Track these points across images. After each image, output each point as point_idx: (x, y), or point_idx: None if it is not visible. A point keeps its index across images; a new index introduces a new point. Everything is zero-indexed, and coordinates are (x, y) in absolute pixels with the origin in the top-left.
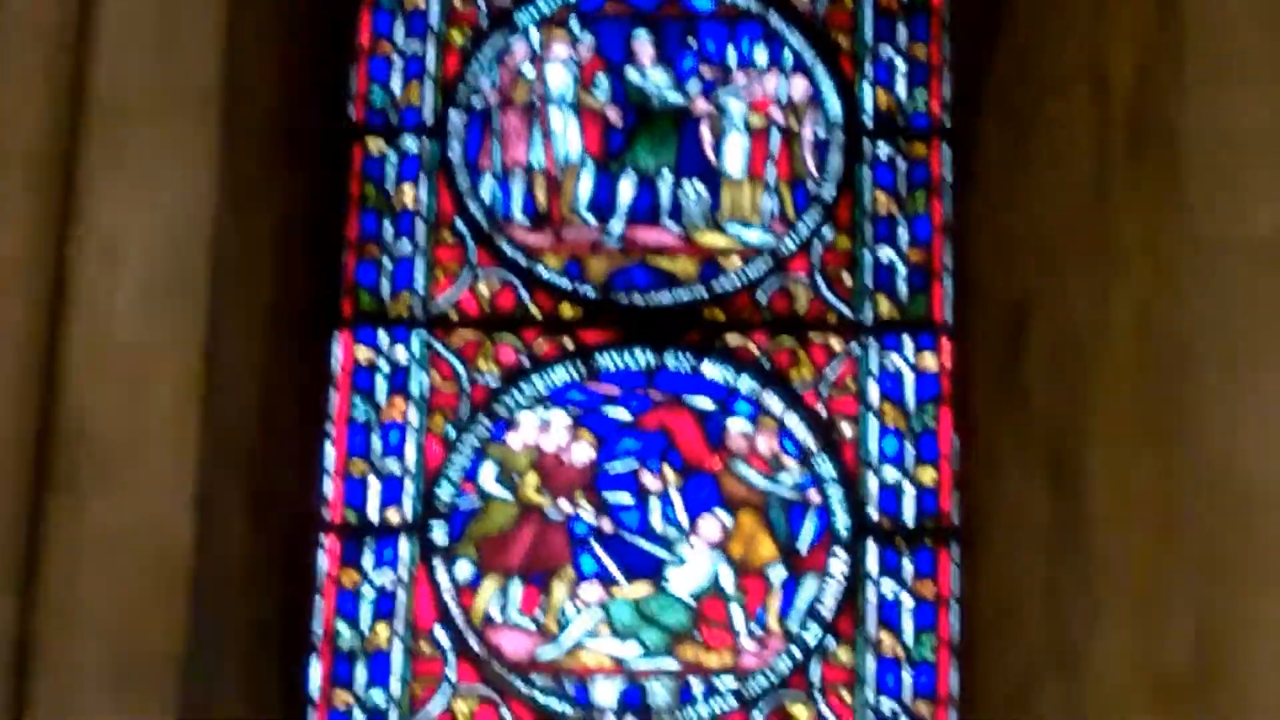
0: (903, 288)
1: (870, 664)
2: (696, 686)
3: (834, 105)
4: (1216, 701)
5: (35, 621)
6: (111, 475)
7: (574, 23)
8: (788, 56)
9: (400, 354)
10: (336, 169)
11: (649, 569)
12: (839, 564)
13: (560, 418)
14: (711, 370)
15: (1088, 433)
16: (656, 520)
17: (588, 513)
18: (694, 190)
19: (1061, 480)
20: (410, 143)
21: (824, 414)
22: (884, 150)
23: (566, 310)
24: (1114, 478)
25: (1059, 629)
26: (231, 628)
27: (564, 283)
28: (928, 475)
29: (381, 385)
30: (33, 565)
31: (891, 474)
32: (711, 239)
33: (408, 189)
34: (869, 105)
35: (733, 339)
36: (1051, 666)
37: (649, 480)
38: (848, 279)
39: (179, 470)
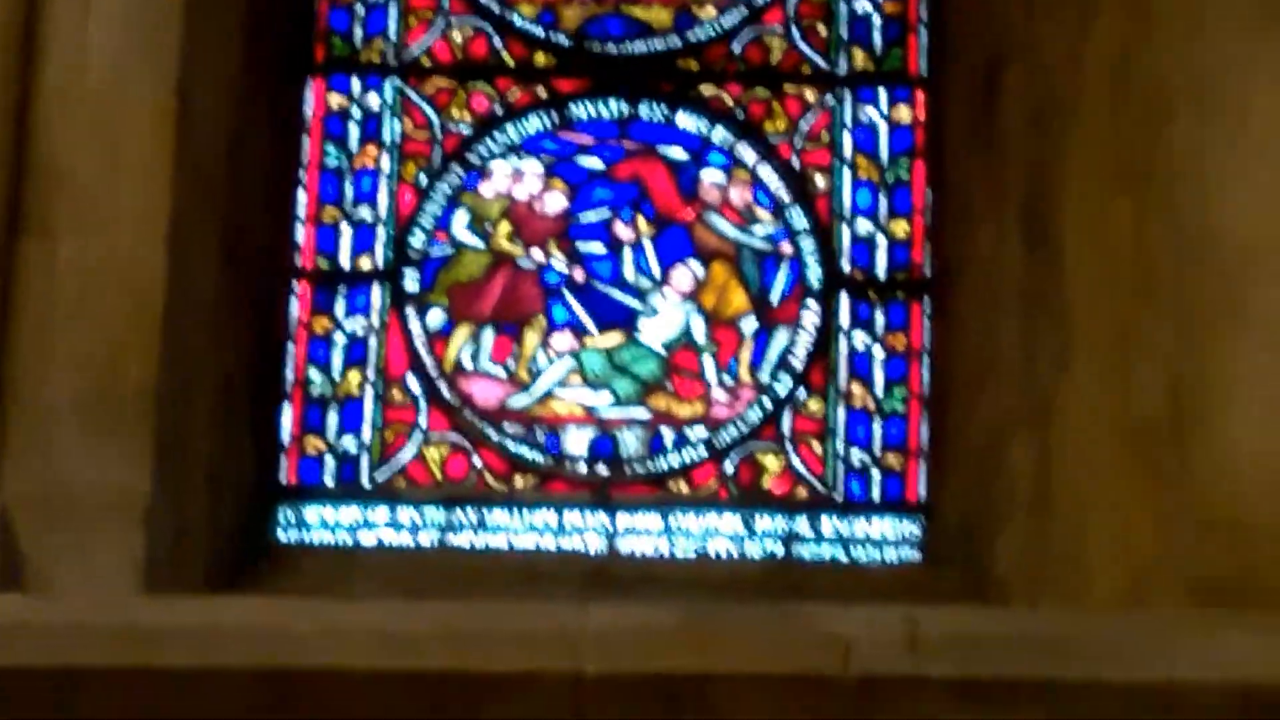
0: (878, 40)
1: (841, 415)
2: (667, 436)
3: None
4: (1188, 451)
5: (8, 360)
6: (84, 215)
7: None
8: None
9: (373, 101)
10: None
11: (621, 319)
12: (811, 316)
13: (533, 166)
14: (685, 120)
15: (1063, 184)
16: (629, 270)
17: (560, 262)
18: None
19: (1035, 232)
20: None
21: (797, 166)
22: None
23: (540, 59)
24: (1088, 229)
25: (1031, 381)
26: (204, 372)
27: (537, 31)
28: (901, 228)
29: (354, 132)
30: (6, 306)
31: (864, 226)
32: None
33: None
34: None
35: (707, 89)
36: (1022, 418)
37: (621, 230)
38: (823, 30)
39: (151, 211)
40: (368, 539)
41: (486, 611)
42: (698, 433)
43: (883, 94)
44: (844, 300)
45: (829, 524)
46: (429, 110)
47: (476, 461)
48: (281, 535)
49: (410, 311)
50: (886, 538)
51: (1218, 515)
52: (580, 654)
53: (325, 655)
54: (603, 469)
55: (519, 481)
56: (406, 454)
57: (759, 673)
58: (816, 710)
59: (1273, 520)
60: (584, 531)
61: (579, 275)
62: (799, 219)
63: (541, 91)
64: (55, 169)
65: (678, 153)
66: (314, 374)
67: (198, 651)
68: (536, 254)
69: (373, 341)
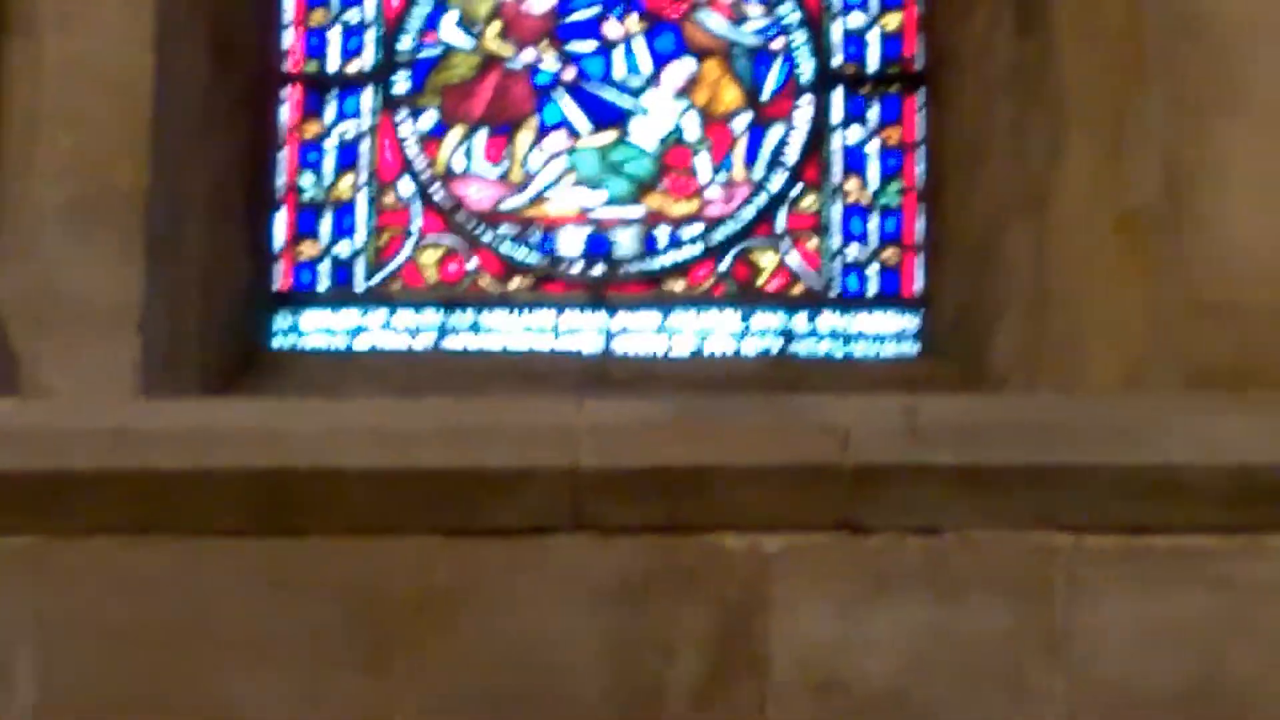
0: None
1: (836, 211)
2: (662, 235)
3: None
4: (1185, 235)
5: None
6: (70, 16)
7: None
8: None
9: None
10: None
11: (613, 118)
12: (804, 111)
13: None
14: None
15: None
16: (620, 69)
17: (550, 61)
18: None
19: (1029, 20)
20: None
21: None
22: None
23: None
24: (1081, 13)
25: (1025, 171)
26: (195, 176)
27: None
28: (893, 20)
29: None
30: None
31: (856, 19)
32: None
33: None
34: None
35: None
36: (1018, 208)
37: (612, 28)
38: None
39: (138, 11)
40: (363, 343)
41: (482, 408)
42: (692, 231)
43: None
44: (837, 95)
45: (826, 319)
46: None
47: (471, 264)
48: (277, 341)
49: (401, 114)
50: (884, 332)
51: (1215, 299)
52: (577, 448)
53: (320, 455)
54: (598, 269)
55: (514, 283)
56: (401, 257)
57: (756, 464)
58: (815, 499)
59: (1270, 303)
60: (580, 332)
61: (570, 74)
62: (790, 14)
63: None
64: None
65: None
66: (306, 179)
67: (192, 454)
68: (527, 54)
69: (364, 145)
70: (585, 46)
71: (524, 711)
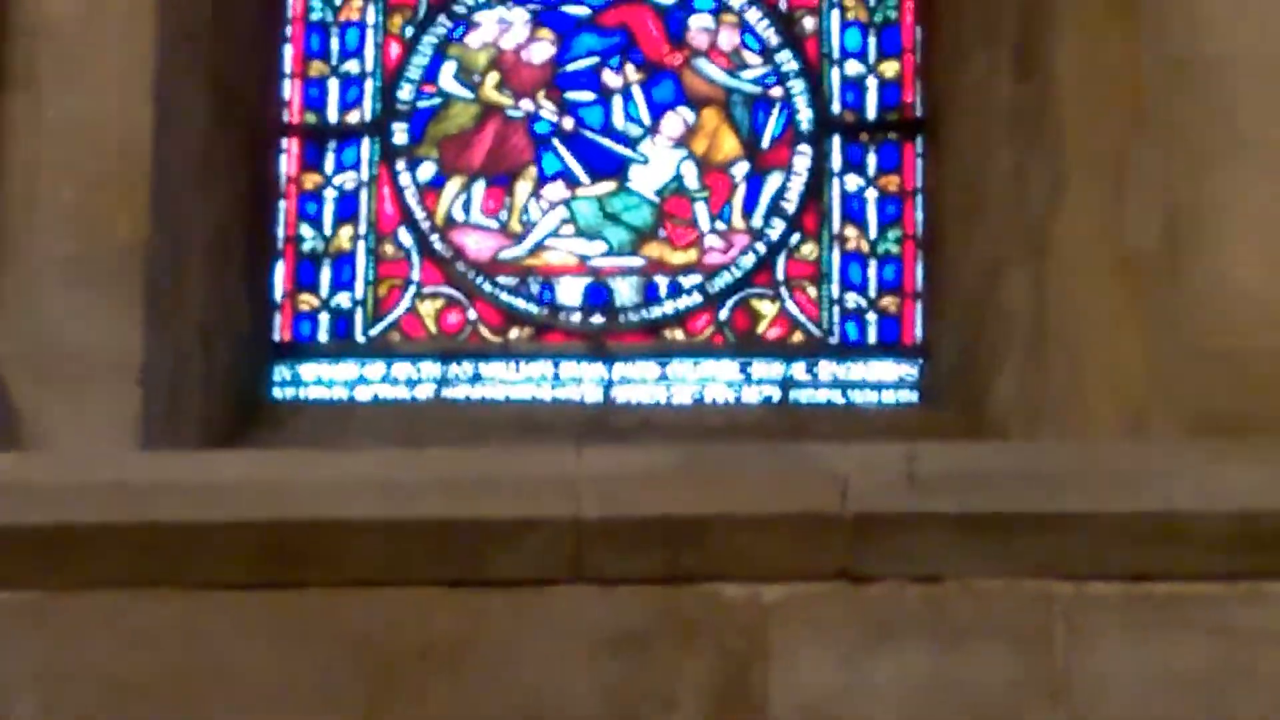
0: None
1: (835, 259)
2: (662, 284)
3: None
4: (1185, 281)
5: None
6: (70, 70)
7: None
8: None
9: None
10: None
11: (612, 167)
12: (802, 159)
13: (519, 15)
14: None
15: (1054, 13)
16: (619, 118)
17: (549, 111)
18: None
19: (1028, 65)
20: None
21: (785, 7)
22: None
23: None
24: (1082, 59)
25: (1025, 216)
26: (194, 228)
27: None
28: (891, 68)
29: None
30: None
31: (854, 67)
32: None
33: None
34: None
35: None
36: (1017, 253)
37: (610, 78)
38: None
39: (137, 65)
40: (363, 394)
41: (483, 459)
42: (692, 280)
43: None
44: (835, 143)
45: (826, 368)
46: None
47: (471, 314)
48: (277, 392)
49: (400, 165)
50: (884, 380)
51: (1215, 345)
52: (578, 498)
53: (322, 507)
54: (598, 319)
55: (514, 333)
56: (400, 308)
57: (757, 513)
58: (815, 548)
59: (1271, 348)
60: (580, 382)
61: (568, 124)
62: (788, 62)
63: None
64: (40, 22)
65: None
66: (305, 230)
67: (194, 506)
68: (525, 104)
69: (363, 196)
70: (584, 96)
71: None
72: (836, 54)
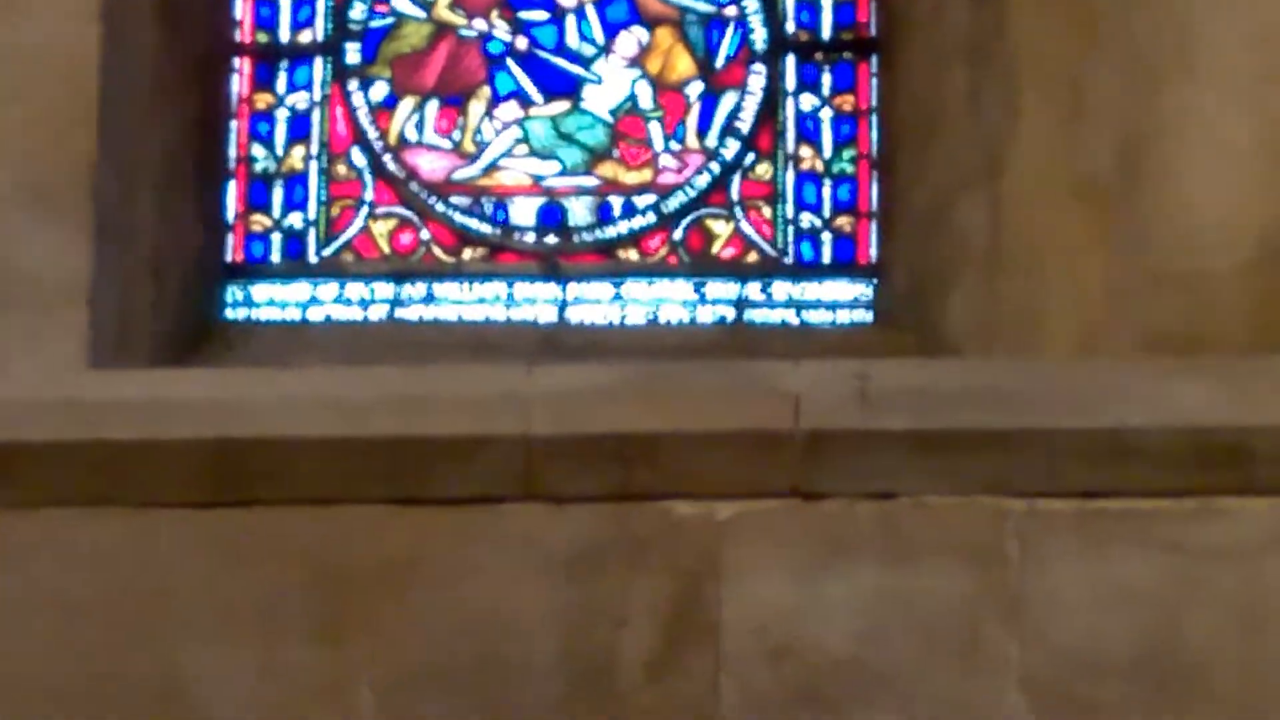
0: None
1: (790, 179)
2: (616, 204)
3: None
4: (1140, 202)
5: None
6: None
7: None
8: None
9: None
10: None
11: (566, 87)
12: (757, 79)
13: None
14: None
15: None
16: (572, 38)
17: (502, 31)
18: None
19: None
20: None
21: None
22: None
23: None
24: None
25: (980, 137)
26: (144, 151)
27: None
28: None
29: None
30: None
31: None
32: None
33: None
34: None
35: None
36: (973, 175)
37: None
38: None
39: None
40: (316, 315)
41: (434, 377)
42: (646, 200)
43: None
44: (790, 62)
45: (781, 288)
46: None
47: (424, 234)
48: (229, 313)
49: (353, 85)
50: (839, 300)
51: (1170, 266)
52: (529, 416)
53: (272, 425)
54: (551, 239)
55: (467, 254)
56: (353, 229)
57: (709, 430)
58: (768, 465)
59: (1225, 268)
60: (534, 302)
61: (522, 44)
62: None
63: None
64: None
65: None
66: (257, 150)
67: (144, 424)
68: (479, 23)
69: (315, 116)
70: (537, 15)
71: (477, 680)
72: None
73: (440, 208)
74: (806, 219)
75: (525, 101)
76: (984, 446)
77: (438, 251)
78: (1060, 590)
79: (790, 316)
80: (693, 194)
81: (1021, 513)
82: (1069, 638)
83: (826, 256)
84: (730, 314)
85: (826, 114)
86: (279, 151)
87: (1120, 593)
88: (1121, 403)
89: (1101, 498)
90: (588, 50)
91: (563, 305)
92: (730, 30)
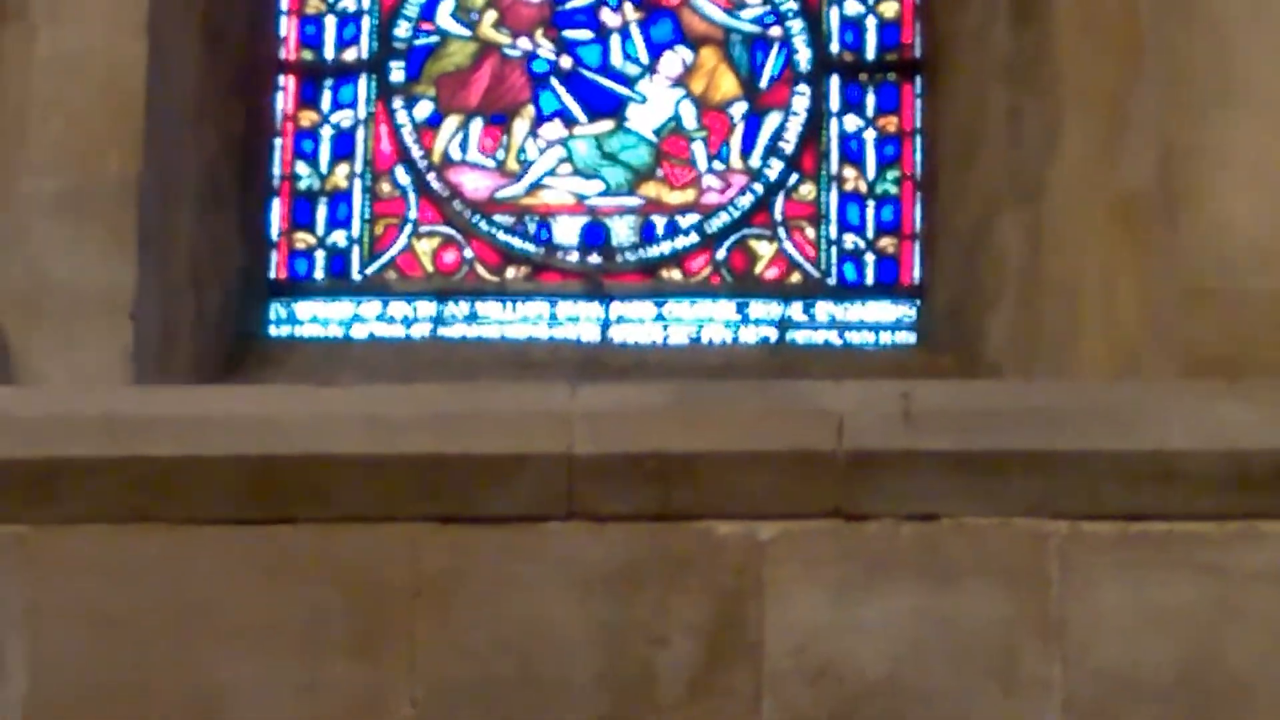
0: None
1: (833, 200)
2: (659, 224)
3: None
4: (1179, 223)
5: None
6: (61, 3)
7: None
8: None
9: None
10: None
11: (610, 106)
12: (801, 99)
13: None
14: None
15: None
16: (617, 57)
17: (547, 49)
18: None
19: (1026, 7)
20: None
21: None
22: None
23: None
24: (1079, 2)
25: (1021, 158)
26: (188, 166)
27: None
28: (890, 8)
29: None
30: None
31: (854, 6)
32: None
33: None
34: None
35: None
36: (1013, 195)
37: (609, 16)
38: None
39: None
40: (359, 333)
41: (476, 394)
42: (689, 220)
43: None
44: (834, 83)
45: (823, 309)
46: None
47: (467, 253)
48: (272, 330)
49: (397, 103)
50: (881, 321)
51: (1210, 286)
52: (571, 434)
53: (312, 442)
54: (594, 258)
55: (510, 272)
56: (396, 247)
57: (751, 450)
58: (809, 485)
59: (1265, 289)
60: (577, 321)
61: (566, 63)
62: (787, 1)
63: None
64: None
65: None
66: (301, 168)
67: (184, 441)
68: (523, 42)
69: (360, 133)
70: (582, 35)
71: (516, 698)
72: None
73: (484, 226)
74: (850, 240)
75: (569, 120)
76: (1026, 468)
77: (481, 270)
78: (1101, 612)
79: (833, 337)
80: (736, 214)
81: (1063, 535)
82: (1110, 660)
83: (869, 277)
84: (773, 334)
85: (870, 135)
86: (323, 169)
87: (1162, 615)
88: (1163, 425)
89: (1143, 520)
90: (632, 70)
91: (605, 324)
92: (775, 50)
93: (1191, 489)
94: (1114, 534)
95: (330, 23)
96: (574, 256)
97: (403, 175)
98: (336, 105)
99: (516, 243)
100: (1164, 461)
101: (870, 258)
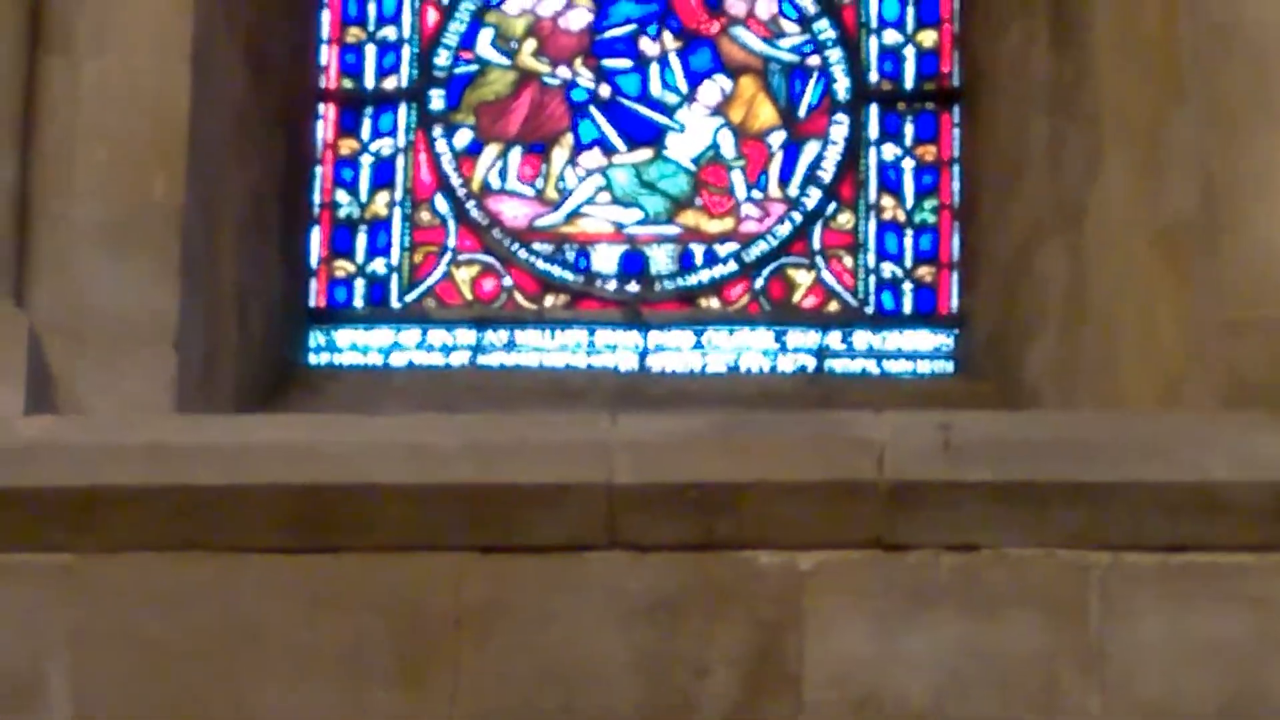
0: None
1: (871, 228)
2: (698, 252)
3: None
4: (1221, 252)
5: (32, 182)
6: (106, 33)
7: None
8: None
9: None
10: None
11: (649, 135)
12: (840, 128)
13: None
14: None
15: None
16: (656, 86)
17: (586, 79)
18: None
19: (1064, 35)
20: None
21: None
22: None
23: None
24: (1119, 28)
25: (1061, 186)
26: (230, 194)
27: None
28: (928, 37)
29: None
30: (29, 126)
31: (892, 36)
32: None
33: None
34: None
35: None
36: (1053, 223)
37: (648, 45)
38: None
39: (174, 28)
40: (399, 361)
41: (517, 424)
42: (728, 248)
43: None
44: (873, 112)
45: (862, 337)
46: None
47: (506, 281)
48: (312, 358)
49: (437, 131)
50: (919, 350)
51: (1250, 316)
52: (612, 464)
53: (355, 471)
54: (633, 286)
55: (549, 300)
56: (436, 275)
57: (792, 480)
58: (850, 516)
59: None
60: (615, 349)
61: (605, 92)
62: (826, 30)
63: None
64: None
65: None
66: (341, 196)
67: (229, 470)
68: (562, 71)
69: (400, 162)
70: (621, 63)
71: None
72: (874, 23)
73: (523, 254)
74: (888, 269)
75: (608, 149)
76: (1067, 499)
77: (520, 298)
78: (1143, 644)
79: (871, 366)
80: (774, 243)
81: (1104, 565)
82: (1151, 691)
83: (907, 306)
84: (811, 363)
85: (909, 164)
86: (363, 197)
87: (1204, 647)
88: (1206, 455)
89: (1185, 551)
90: (671, 99)
91: (644, 353)
92: (813, 80)
93: (1234, 520)
94: (1155, 565)
95: (370, 52)
96: (612, 285)
97: (442, 203)
98: (376, 134)
99: (555, 271)
100: (1206, 492)
101: (908, 286)
